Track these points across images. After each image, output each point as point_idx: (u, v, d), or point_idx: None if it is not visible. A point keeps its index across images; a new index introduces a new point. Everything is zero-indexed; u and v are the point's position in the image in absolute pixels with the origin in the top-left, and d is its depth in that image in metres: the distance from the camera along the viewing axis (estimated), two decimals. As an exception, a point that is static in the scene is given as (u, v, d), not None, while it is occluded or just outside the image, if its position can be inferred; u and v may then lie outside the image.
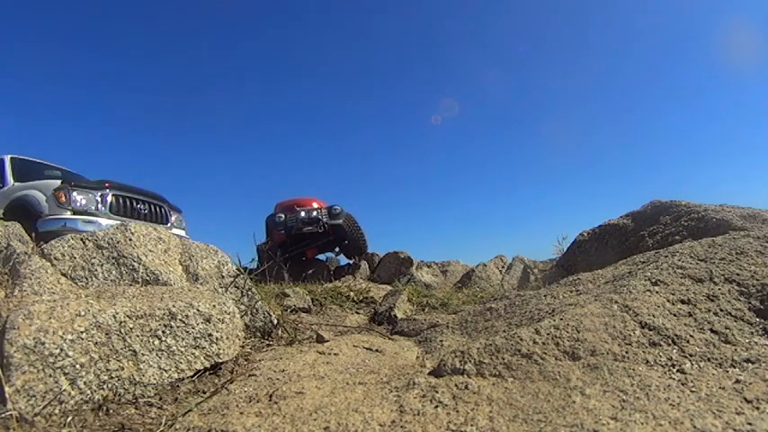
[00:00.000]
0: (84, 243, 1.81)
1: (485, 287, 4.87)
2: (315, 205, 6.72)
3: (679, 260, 1.75)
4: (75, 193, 4.57)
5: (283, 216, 6.49)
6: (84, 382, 1.12)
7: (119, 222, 2.40)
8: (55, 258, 1.73)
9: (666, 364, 1.16)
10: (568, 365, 1.18)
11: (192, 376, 1.35)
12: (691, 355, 1.19)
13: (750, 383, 1.02)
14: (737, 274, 1.54)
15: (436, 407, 1.07)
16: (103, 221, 4.53)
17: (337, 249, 6.97)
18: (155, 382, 1.26)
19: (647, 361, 1.17)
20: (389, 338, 2.32)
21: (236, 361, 1.54)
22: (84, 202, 4.61)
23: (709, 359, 1.17)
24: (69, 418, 1.05)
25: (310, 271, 6.33)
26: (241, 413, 1.11)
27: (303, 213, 6.41)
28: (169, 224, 5.49)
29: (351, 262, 6.85)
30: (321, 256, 7.24)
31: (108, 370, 1.17)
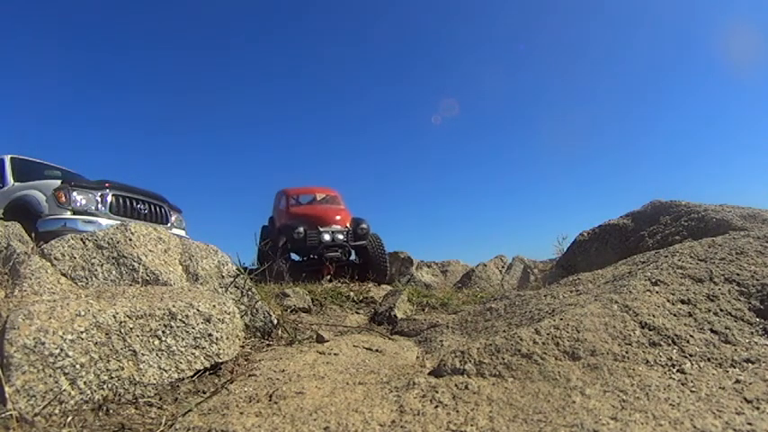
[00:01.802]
0: (84, 243, 1.81)
1: (485, 287, 4.87)
2: (338, 218, 5.83)
3: (679, 260, 1.75)
4: (75, 193, 4.57)
5: (303, 232, 5.67)
6: (84, 382, 1.12)
7: (119, 222, 2.40)
8: (55, 258, 1.73)
9: (666, 364, 1.16)
10: (568, 365, 1.18)
11: (192, 376, 1.35)
12: (691, 355, 1.19)
13: (750, 383, 1.02)
14: (737, 274, 1.54)
15: (436, 407, 1.07)
16: (103, 221, 4.52)
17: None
18: (155, 382, 1.26)
19: (647, 361, 1.17)
20: (389, 338, 2.32)
21: (236, 361, 1.54)
22: (84, 202, 4.61)
23: (709, 359, 1.17)
24: (69, 418, 1.05)
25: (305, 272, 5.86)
26: (241, 413, 1.11)
27: (327, 236, 5.64)
28: (169, 224, 5.48)
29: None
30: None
31: (108, 370, 1.17)
